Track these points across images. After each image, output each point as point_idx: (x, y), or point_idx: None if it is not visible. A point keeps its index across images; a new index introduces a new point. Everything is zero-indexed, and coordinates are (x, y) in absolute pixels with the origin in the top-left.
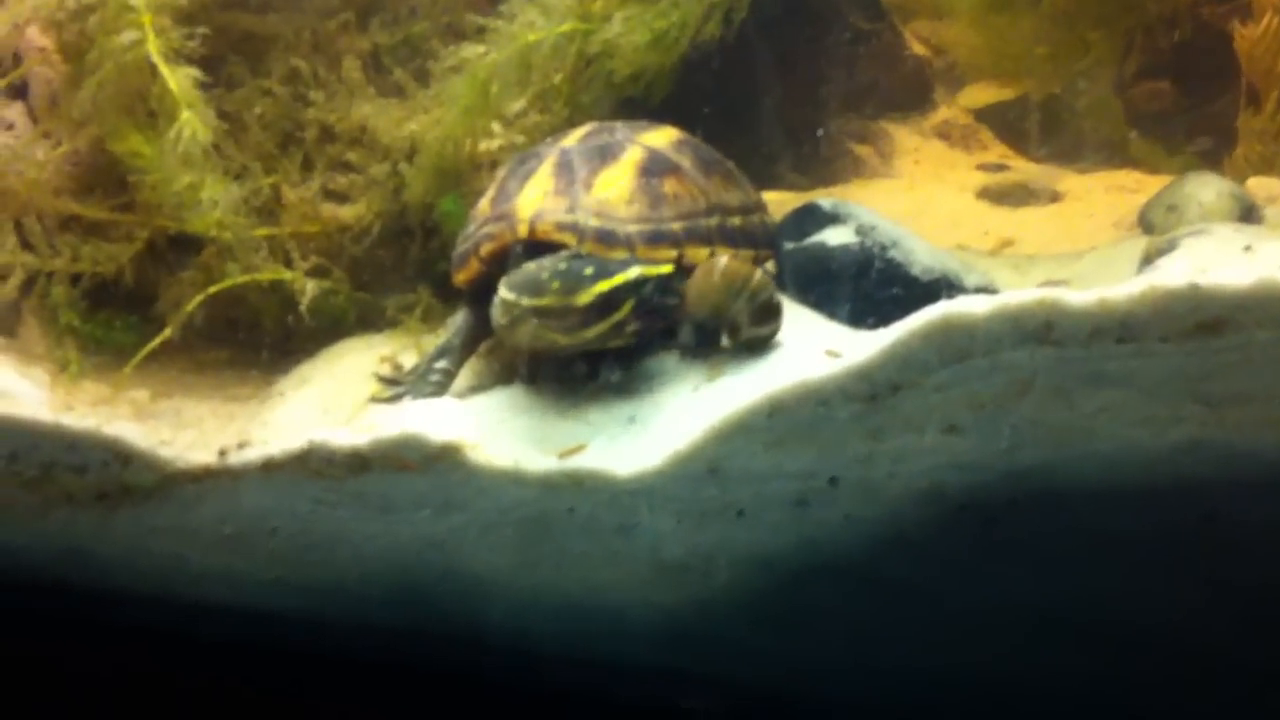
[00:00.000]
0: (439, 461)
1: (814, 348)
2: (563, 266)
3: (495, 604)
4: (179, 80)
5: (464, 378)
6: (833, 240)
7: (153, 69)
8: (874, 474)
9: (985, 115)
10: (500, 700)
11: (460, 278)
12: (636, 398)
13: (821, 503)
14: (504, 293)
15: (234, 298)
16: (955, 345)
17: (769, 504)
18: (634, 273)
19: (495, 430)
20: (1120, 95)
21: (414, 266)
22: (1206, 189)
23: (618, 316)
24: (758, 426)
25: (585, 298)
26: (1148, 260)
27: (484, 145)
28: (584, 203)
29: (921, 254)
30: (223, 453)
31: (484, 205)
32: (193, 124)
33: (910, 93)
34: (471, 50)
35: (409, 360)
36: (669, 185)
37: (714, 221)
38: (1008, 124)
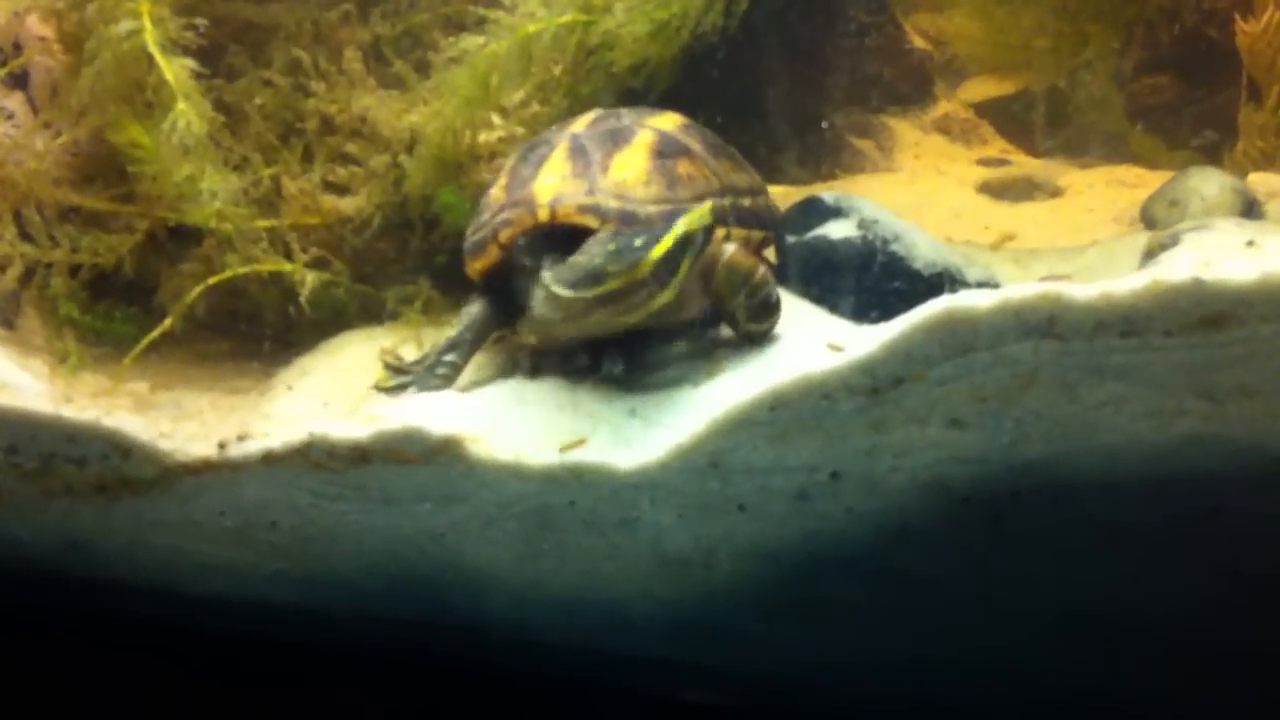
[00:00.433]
0: (440, 455)
1: (816, 341)
2: (612, 247)
3: (496, 597)
4: (175, 70)
5: (465, 371)
6: (835, 234)
7: (150, 59)
8: (876, 467)
9: (985, 110)
10: (501, 692)
11: (477, 266)
12: (638, 391)
13: (824, 496)
14: (561, 291)
15: (234, 290)
16: (958, 339)
17: (771, 497)
18: (680, 227)
19: (496, 424)
20: (1121, 89)
21: (414, 259)
22: (1209, 184)
23: (680, 277)
24: (760, 420)
25: (646, 267)
26: (1150, 255)
27: (484, 137)
28: (602, 185)
29: (924, 248)
30: (223, 445)
31: (497, 193)
32: (188, 115)
33: (911, 87)
34: (471, 41)
35: (410, 353)
36: (683, 166)
37: (727, 202)
38: (1008, 119)
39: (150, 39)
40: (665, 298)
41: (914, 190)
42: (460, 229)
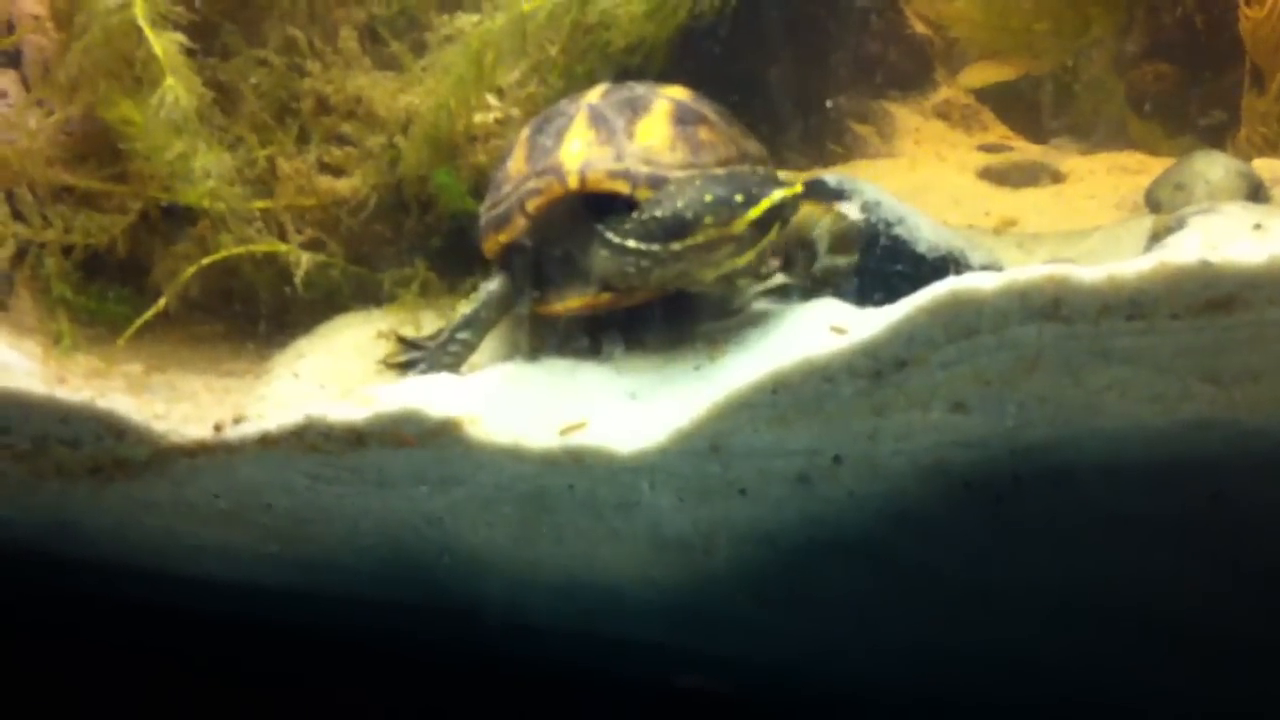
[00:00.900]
0: (438, 437)
1: (819, 324)
2: (709, 199)
3: (493, 580)
4: (164, 45)
5: None
6: None
7: (139, 34)
8: (879, 451)
9: (986, 96)
10: (497, 676)
11: (501, 239)
12: (638, 374)
13: (825, 480)
14: (633, 244)
15: (229, 270)
16: (962, 322)
17: (772, 481)
18: (778, 195)
19: (495, 406)
20: (1122, 75)
21: (410, 240)
22: (1214, 167)
23: (767, 240)
24: (761, 403)
25: (740, 225)
26: (1156, 238)
27: (480, 118)
28: (630, 150)
29: (926, 231)
30: (218, 427)
31: (516, 165)
32: (176, 89)
33: (911, 72)
34: (466, 20)
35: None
36: (703, 133)
37: (747, 168)
38: (1008, 104)
39: (140, 13)
40: (744, 259)
41: (914, 176)
42: (455, 210)
